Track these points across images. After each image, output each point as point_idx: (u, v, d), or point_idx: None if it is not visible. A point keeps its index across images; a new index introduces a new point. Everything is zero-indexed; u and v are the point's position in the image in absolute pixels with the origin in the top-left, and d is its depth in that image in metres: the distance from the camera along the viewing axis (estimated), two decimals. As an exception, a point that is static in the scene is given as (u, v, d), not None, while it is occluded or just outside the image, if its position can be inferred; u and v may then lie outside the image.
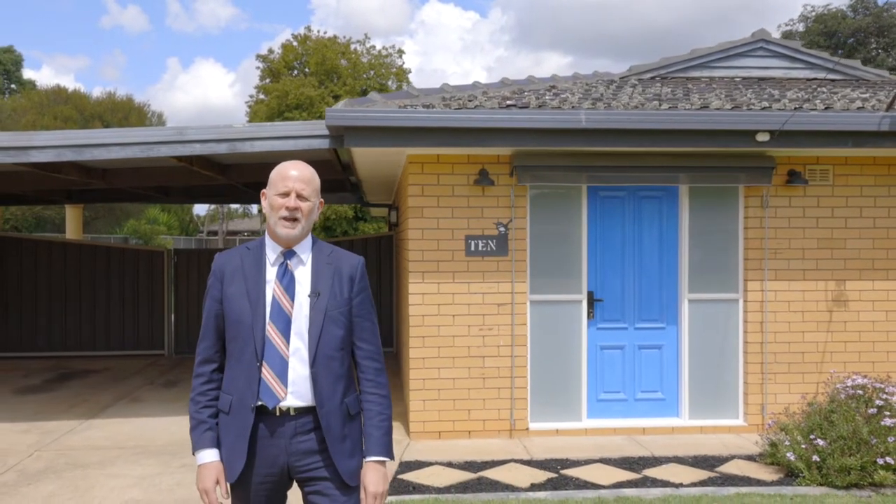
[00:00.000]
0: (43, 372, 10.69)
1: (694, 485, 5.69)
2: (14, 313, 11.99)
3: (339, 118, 6.35)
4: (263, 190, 2.80)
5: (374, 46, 36.20)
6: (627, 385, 7.29)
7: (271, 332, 2.65)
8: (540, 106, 6.80)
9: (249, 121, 35.21)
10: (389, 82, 36.17)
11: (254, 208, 50.23)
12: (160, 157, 7.10)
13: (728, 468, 6.09)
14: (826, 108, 6.86)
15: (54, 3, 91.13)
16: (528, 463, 6.25)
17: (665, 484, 5.71)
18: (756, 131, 6.56)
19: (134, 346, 12.17)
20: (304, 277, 2.72)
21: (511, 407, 7.01)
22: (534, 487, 5.63)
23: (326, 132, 6.68)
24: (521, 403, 7.03)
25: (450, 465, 6.20)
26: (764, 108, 6.80)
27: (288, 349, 2.66)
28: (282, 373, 2.63)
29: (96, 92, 63.60)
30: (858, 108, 6.90)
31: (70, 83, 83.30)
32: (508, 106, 6.76)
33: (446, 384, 6.96)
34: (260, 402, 2.64)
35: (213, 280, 2.76)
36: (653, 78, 9.04)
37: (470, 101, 6.96)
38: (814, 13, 32.48)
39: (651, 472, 5.99)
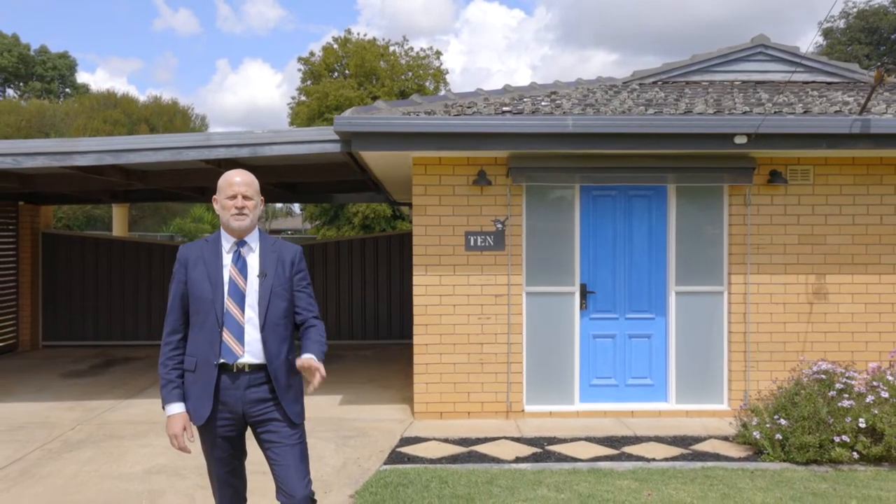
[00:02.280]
0: (89, 359, 11.57)
1: (665, 460, 6.20)
2: (63, 305, 12.93)
3: (347, 125, 6.99)
4: (215, 196, 3.49)
5: (412, 48, 36.89)
6: (618, 372, 7.80)
7: (230, 304, 3.36)
8: (533, 112, 7.35)
9: (291, 122, 36.22)
10: (427, 83, 36.80)
11: (296, 207, 51.44)
12: (190, 160, 7.82)
13: (702, 447, 6.58)
14: (805, 112, 7.29)
15: (109, 8, 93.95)
16: (518, 440, 6.82)
17: (639, 459, 6.23)
18: (734, 134, 7.02)
19: (173, 337, 12.99)
20: (253, 262, 3.45)
21: (507, 390, 7.57)
22: (518, 460, 6.20)
23: (337, 137, 7.32)
24: (517, 387, 7.59)
25: (446, 440, 6.80)
26: (745, 113, 7.25)
27: (243, 318, 3.36)
28: (239, 336, 3.35)
29: (148, 94, 65.59)
30: (836, 112, 7.31)
31: (123, 85, 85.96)
32: (503, 112, 7.33)
33: (447, 368, 7.55)
34: (222, 360, 3.33)
35: (179, 266, 3.45)
36: (654, 82, 9.49)
37: (469, 107, 7.55)
38: (855, 9, 32.18)
39: (629, 449, 6.51)
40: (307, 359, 3.28)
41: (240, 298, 3.37)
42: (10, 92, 42.80)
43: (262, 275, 3.41)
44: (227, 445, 3.44)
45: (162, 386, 3.40)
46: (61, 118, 28.49)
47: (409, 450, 6.50)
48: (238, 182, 3.42)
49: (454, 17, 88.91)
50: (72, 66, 44.30)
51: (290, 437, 3.40)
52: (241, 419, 3.40)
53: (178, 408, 3.37)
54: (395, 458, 6.26)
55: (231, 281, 3.38)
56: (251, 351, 3.35)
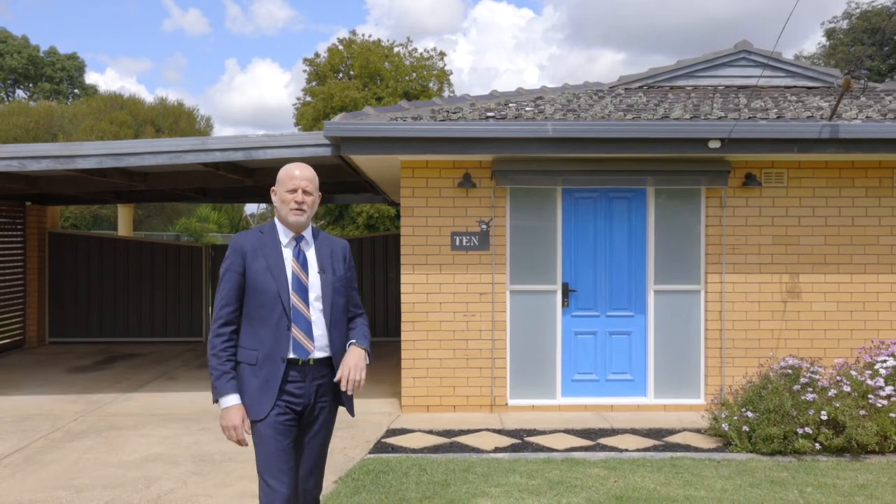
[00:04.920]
0: (93, 355, 11.93)
1: (637, 450, 6.49)
2: (69, 303, 13.29)
3: (336, 130, 7.31)
4: (273, 187, 3.49)
5: (416, 49, 37.23)
6: (599, 367, 8.10)
7: (296, 300, 3.36)
8: (517, 117, 7.66)
9: (296, 122, 36.59)
10: (431, 84, 37.12)
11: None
12: (188, 163, 8.15)
13: (675, 439, 6.87)
14: (778, 117, 7.56)
15: (119, 8, 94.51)
16: (499, 432, 7.12)
17: (612, 449, 6.52)
18: (708, 139, 7.30)
19: (175, 334, 13.38)
20: (312, 257, 3.47)
21: (492, 385, 7.88)
22: (496, 450, 6.50)
23: (327, 142, 7.63)
24: (501, 382, 7.90)
25: (430, 432, 7.11)
26: (720, 118, 7.53)
27: (310, 313, 3.39)
28: (308, 332, 3.37)
29: (156, 95, 66.10)
30: (808, 117, 7.58)
31: (133, 85, 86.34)
32: (488, 117, 7.63)
33: (434, 364, 7.86)
34: (291, 356, 3.34)
35: (235, 257, 3.37)
36: (640, 87, 9.77)
37: (455, 113, 7.85)
38: (858, 10, 32.33)
39: (604, 441, 6.81)
40: (350, 357, 3.40)
41: (304, 294, 3.39)
42: (19, 93, 43.34)
43: (322, 271, 3.45)
44: (289, 436, 3.37)
45: (216, 377, 3.31)
46: (69, 119, 28.93)
47: (393, 440, 6.81)
48: (298, 176, 3.40)
49: (462, 16, 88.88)
50: (80, 67, 44.77)
51: (326, 437, 3.50)
52: (302, 411, 3.40)
53: (236, 399, 3.30)
54: (380, 447, 6.57)
55: (294, 276, 3.39)
56: (319, 346, 3.39)
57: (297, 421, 3.41)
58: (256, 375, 3.31)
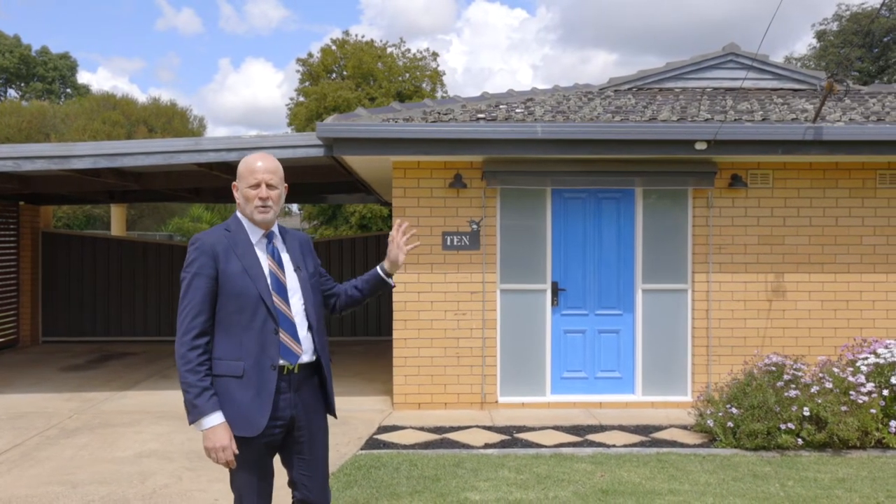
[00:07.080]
0: (87, 354, 11.99)
1: (625, 446, 6.60)
2: (62, 302, 13.36)
3: (329, 131, 7.41)
4: (234, 182, 3.17)
5: (409, 50, 37.35)
6: (588, 365, 8.22)
7: (277, 301, 3.10)
8: (507, 118, 7.77)
9: (289, 122, 36.67)
10: (424, 84, 37.23)
11: (294, 206, 51.93)
12: (182, 163, 8.24)
13: (661, 435, 6.99)
14: (763, 119, 7.70)
15: (113, 8, 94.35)
16: (489, 428, 7.23)
17: (600, 445, 6.64)
18: (694, 140, 7.43)
19: (169, 333, 13.42)
20: (285, 254, 3.24)
21: (482, 382, 7.99)
22: (486, 446, 6.61)
23: (320, 143, 7.73)
24: (491, 380, 8.01)
25: (421, 428, 7.21)
26: (706, 120, 7.66)
27: (292, 314, 3.14)
28: (294, 334, 3.12)
29: (149, 95, 66.04)
30: (793, 119, 7.72)
31: (125, 85, 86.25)
32: (478, 119, 7.74)
33: (425, 362, 7.97)
34: (281, 362, 3.07)
35: (205, 259, 3.02)
36: (629, 89, 9.89)
37: (446, 114, 7.96)
38: (848, 12, 32.59)
39: (592, 437, 6.92)
40: (394, 257, 3.37)
41: (284, 294, 3.14)
42: (11, 93, 43.29)
43: (298, 269, 3.23)
44: (269, 457, 3.17)
45: (194, 395, 2.95)
46: (61, 119, 28.96)
47: (385, 437, 6.91)
48: (261, 168, 3.10)
49: (455, 16, 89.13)
50: (73, 67, 44.79)
51: (326, 449, 3.30)
52: (286, 425, 3.14)
53: (221, 417, 2.98)
54: (372, 444, 6.67)
55: (272, 275, 3.13)
56: (306, 349, 3.16)
57: (279, 441, 3.17)
58: (245, 388, 3.01)
